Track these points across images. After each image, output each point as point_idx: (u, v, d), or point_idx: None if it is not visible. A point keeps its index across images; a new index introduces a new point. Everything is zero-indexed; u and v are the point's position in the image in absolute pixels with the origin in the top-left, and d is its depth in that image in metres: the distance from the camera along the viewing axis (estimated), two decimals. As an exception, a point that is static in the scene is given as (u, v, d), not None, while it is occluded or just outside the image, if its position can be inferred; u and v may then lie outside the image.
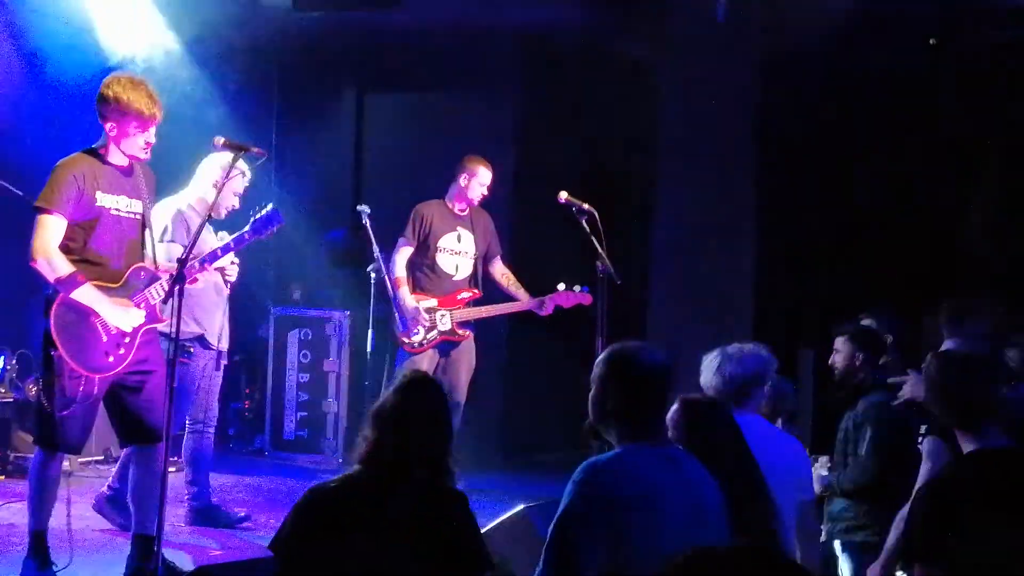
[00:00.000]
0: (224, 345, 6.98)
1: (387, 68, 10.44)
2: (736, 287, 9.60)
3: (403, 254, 7.86)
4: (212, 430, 7.01)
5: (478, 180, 7.89)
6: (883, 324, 6.58)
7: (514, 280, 8.11)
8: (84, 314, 5.40)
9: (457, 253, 7.96)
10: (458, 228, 7.95)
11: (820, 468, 6.07)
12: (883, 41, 9.07)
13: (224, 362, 6.93)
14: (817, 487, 5.85)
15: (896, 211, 9.29)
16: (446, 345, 7.87)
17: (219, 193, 6.30)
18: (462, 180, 7.92)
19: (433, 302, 7.81)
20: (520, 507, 5.61)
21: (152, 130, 5.56)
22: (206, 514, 6.90)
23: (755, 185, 9.74)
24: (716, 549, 2.26)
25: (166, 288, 5.54)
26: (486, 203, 8.06)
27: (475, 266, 8.02)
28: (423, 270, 7.89)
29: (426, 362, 7.73)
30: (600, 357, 3.86)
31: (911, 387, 5.46)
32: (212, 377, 6.90)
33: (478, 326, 8.09)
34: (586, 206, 7.17)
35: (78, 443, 5.62)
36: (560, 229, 7.65)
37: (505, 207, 9.99)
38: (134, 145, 5.55)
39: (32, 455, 7.94)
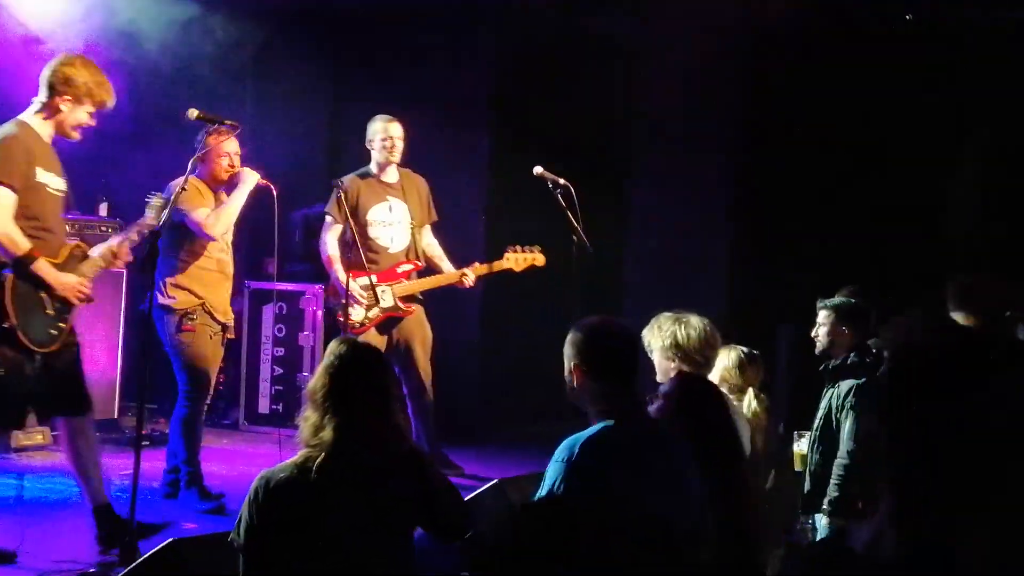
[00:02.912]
0: (228, 320, 6.99)
1: (363, 42, 10.39)
2: (713, 260, 9.62)
3: (332, 232, 7.52)
4: (206, 404, 6.98)
5: (379, 137, 7.54)
6: (865, 298, 6.53)
7: (438, 252, 7.78)
8: (35, 289, 5.42)
9: (390, 224, 7.59)
10: (388, 198, 7.60)
11: (802, 444, 6.06)
12: (865, 13, 9.07)
13: (230, 336, 6.95)
14: (798, 465, 5.88)
15: (878, 184, 9.28)
16: (392, 322, 7.53)
17: (204, 164, 6.49)
18: (368, 144, 7.59)
19: (372, 278, 7.40)
20: (495, 481, 5.63)
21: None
22: (188, 486, 6.85)
23: (733, 157, 9.75)
24: None
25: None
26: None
27: (413, 236, 7.64)
28: (357, 245, 7.36)
29: (372, 343, 7.37)
30: (568, 336, 3.84)
31: None
32: (217, 348, 6.89)
33: (452, 300, 8.02)
34: (561, 180, 7.15)
35: (16, 419, 5.77)
36: (535, 203, 7.63)
37: (480, 181, 9.99)
38: (75, 128, 5.57)
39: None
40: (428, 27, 9.98)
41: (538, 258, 7.69)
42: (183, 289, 6.66)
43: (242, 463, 8.15)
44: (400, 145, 7.59)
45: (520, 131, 9.72)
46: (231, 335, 6.97)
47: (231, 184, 6.72)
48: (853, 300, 6.12)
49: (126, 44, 8.48)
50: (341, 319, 7.43)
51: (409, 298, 7.55)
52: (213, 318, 6.77)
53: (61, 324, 5.52)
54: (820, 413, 5.82)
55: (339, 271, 7.42)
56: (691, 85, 9.59)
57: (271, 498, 3.68)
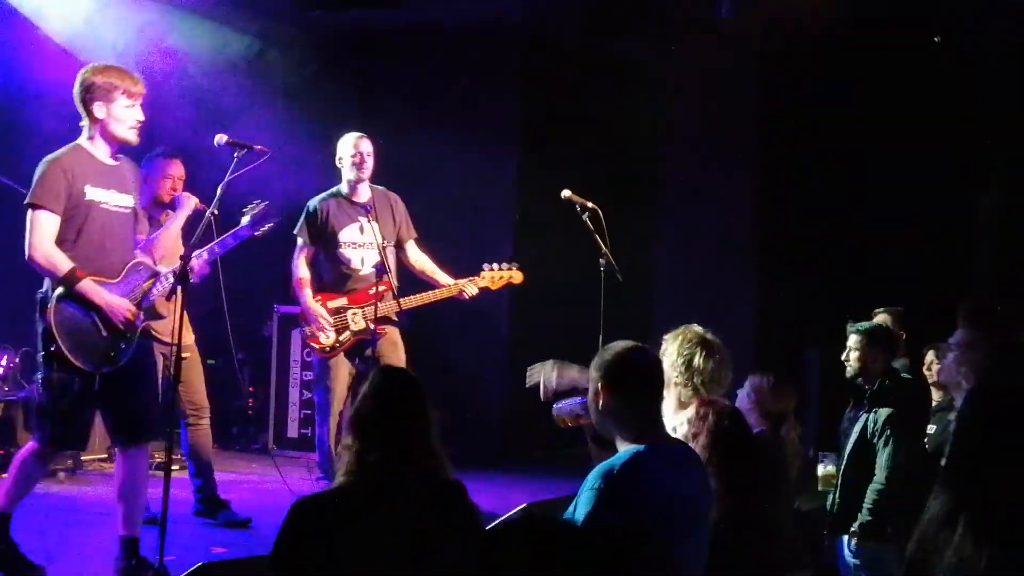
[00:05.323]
0: (184, 339, 6.77)
1: (389, 67, 10.44)
2: (740, 285, 9.61)
3: (303, 255, 7.38)
4: (205, 421, 6.98)
5: (349, 154, 7.29)
6: (895, 322, 6.52)
7: (431, 266, 7.47)
8: (84, 310, 5.41)
9: (361, 245, 7.33)
10: (359, 219, 7.33)
11: (827, 466, 6.04)
12: (885, 38, 9.07)
13: (185, 356, 6.80)
14: (821, 485, 5.85)
15: (901, 208, 9.27)
16: (364, 345, 7.28)
17: (147, 186, 6.59)
18: (338, 162, 7.37)
19: (343, 300, 7.28)
20: (523, 505, 5.61)
21: (139, 106, 5.56)
22: (211, 506, 6.87)
23: (758, 182, 9.76)
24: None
25: (171, 282, 5.58)
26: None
27: (384, 255, 7.29)
28: (328, 267, 7.32)
29: (343, 367, 7.29)
30: (593, 362, 3.82)
31: None
32: (181, 370, 6.70)
33: (480, 322, 7.97)
34: (589, 204, 7.15)
35: (79, 440, 5.69)
36: (563, 227, 7.63)
37: (508, 206, 10.00)
38: (123, 127, 5.52)
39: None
40: (456, 51, 10.02)
41: (515, 276, 7.44)
42: None
43: (270, 488, 8.17)
44: (370, 162, 7.33)
45: (548, 155, 9.74)
46: (188, 354, 6.78)
47: (171, 206, 6.79)
48: (883, 325, 6.13)
49: (158, 69, 8.57)
50: (313, 344, 7.35)
51: (382, 320, 7.26)
52: (160, 341, 6.49)
53: (122, 345, 5.47)
54: (853, 437, 5.80)
55: (307, 295, 7.32)
56: (717, 108, 9.61)
57: (309, 525, 3.67)
